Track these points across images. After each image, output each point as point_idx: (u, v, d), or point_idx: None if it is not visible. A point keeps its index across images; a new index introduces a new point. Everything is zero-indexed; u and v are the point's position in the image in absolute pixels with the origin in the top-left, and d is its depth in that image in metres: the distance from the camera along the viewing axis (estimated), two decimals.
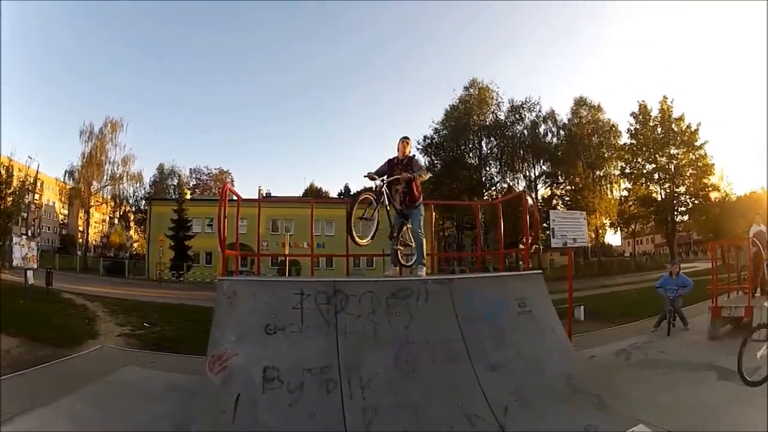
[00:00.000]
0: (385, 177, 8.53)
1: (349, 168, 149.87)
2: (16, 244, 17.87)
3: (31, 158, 58.08)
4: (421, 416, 5.94)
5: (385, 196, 8.37)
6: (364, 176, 8.79)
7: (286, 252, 30.59)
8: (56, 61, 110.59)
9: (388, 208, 8.52)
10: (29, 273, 17.74)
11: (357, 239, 8.04)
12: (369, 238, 8.33)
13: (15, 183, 51.14)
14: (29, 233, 48.54)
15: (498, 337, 7.23)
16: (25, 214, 58.24)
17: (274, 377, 5.98)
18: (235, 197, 9.79)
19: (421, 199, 8.94)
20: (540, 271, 9.25)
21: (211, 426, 5.64)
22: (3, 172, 50.03)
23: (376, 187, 8.45)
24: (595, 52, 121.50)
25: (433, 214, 10.72)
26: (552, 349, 7.64)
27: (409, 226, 8.84)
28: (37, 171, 59.98)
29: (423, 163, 8.74)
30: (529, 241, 10.26)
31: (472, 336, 7.01)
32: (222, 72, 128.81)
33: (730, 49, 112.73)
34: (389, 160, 8.94)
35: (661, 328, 13.19)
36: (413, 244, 8.98)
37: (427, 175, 9.05)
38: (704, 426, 6.31)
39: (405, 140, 8.88)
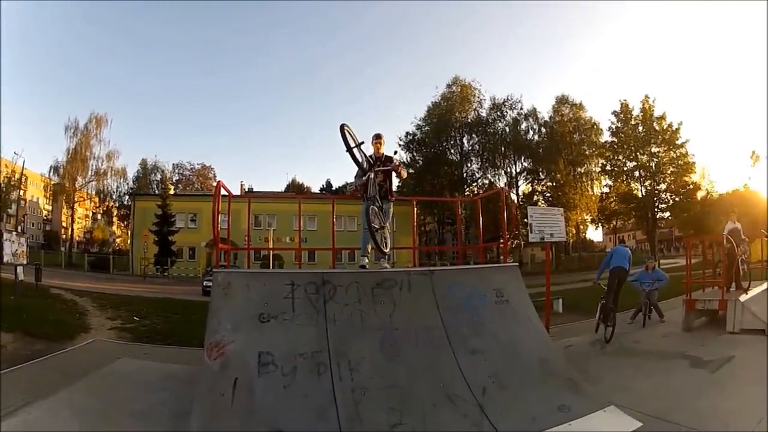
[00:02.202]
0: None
1: (332, 163, 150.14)
2: (6, 240, 17.79)
3: (17, 154, 57.90)
4: (405, 396, 6.28)
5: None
6: (351, 189, 9.03)
7: (270, 246, 30.90)
8: (39, 56, 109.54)
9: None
10: (19, 269, 17.76)
11: (383, 250, 8.50)
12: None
13: (2, 180, 50.83)
14: (19, 229, 48.25)
15: (476, 324, 7.60)
16: (10, 210, 57.91)
17: (268, 362, 6.29)
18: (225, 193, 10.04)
19: (393, 197, 9.21)
20: (516, 264, 9.60)
21: (211, 408, 5.91)
22: None
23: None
24: (578, 52, 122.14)
25: (415, 209, 10.88)
26: (528, 336, 7.99)
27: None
28: (23, 167, 59.81)
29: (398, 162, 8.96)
30: (506, 235, 10.63)
31: (452, 323, 7.40)
32: (204, 67, 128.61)
33: (715, 49, 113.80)
34: (367, 158, 8.89)
35: (637, 320, 13.74)
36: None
37: (405, 172, 9.14)
38: (674, 410, 6.66)
39: (378, 139, 8.87)
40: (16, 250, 18.07)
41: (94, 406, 6.84)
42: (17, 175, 58.83)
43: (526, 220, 12.30)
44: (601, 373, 8.76)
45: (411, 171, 62.81)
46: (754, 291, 12.89)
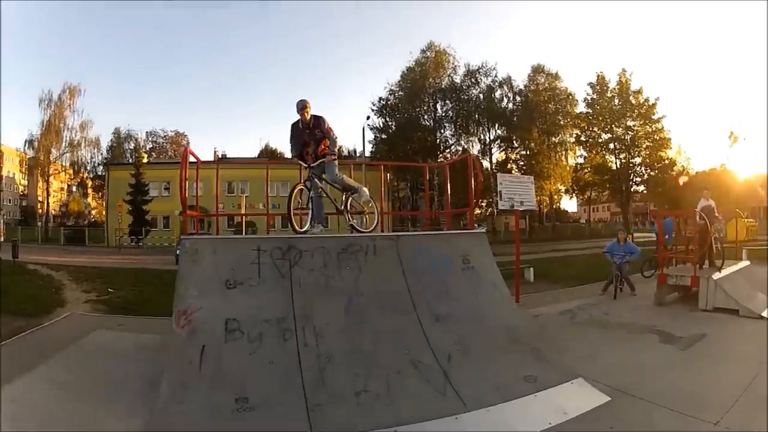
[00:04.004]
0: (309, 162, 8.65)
1: None
2: None
3: None
4: (370, 362, 6.34)
5: (315, 180, 8.58)
6: (293, 158, 8.90)
7: (242, 212, 30.87)
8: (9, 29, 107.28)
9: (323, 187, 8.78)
10: None
11: (299, 229, 8.20)
12: (308, 224, 8.52)
13: None
14: None
15: (442, 290, 7.67)
16: None
17: (235, 329, 6.33)
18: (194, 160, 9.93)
19: (333, 155, 8.89)
20: (483, 230, 9.74)
21: (180, 376, 5.95)
22: None
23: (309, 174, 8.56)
24: (554, 22, 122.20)
25: (386, 174, 10.84)
26: (494, 304, 8.10)
27: (325, 179, 8.85)
28: None
29: (328, 123, 8.80)
30: (473, 202, 10.65)
31: (417, 289, 7.45)
32: (177, 29, 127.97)
33: (695, 30, 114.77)
34: (294, 125, 8.84)
35: (608, 292, 13.76)
36: (366, 208, 9.28)
37: (337, 145, 8.98)
38: (642, 385, 6.62)
39: (303, 107, 8.56)
40: None
41: (70, 379, 6.86)
42: None
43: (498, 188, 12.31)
44: (568, 343, 8.74)
45: (384, 136, 64.74)
46: (727, 270, 12.89)
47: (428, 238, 9.07)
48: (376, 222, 9.51)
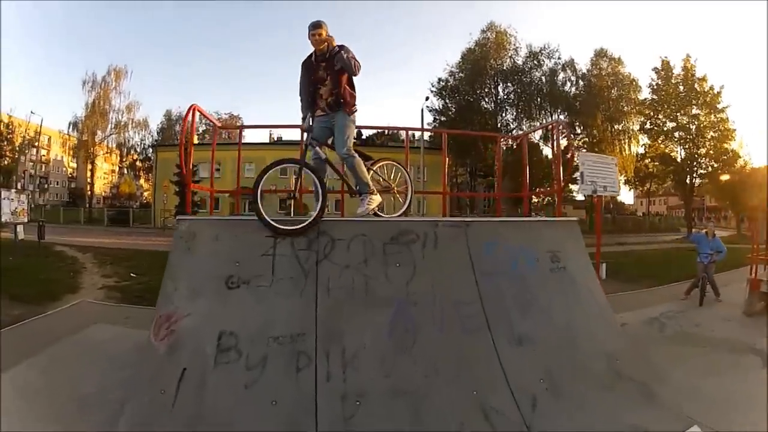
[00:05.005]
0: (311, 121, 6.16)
1: (362, 113, 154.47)
2: (5, 198, 17.81)
3: (33, 113, 59.68)
4: (420, 409, 4.62)
5: (316, 148, 6.14)
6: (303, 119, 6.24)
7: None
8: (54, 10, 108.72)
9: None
10: (19, 228, 18.12)
11: (279, 228, 5.51)
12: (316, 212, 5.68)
13: (17, 139, 51.13)
14: (18, 186, 50.01)
15: (526, 299, 5.74)
16: (22, 169, 59.09)
17: (230, 347, 4.72)
18: (229, 133, 8.14)
19: (355, 106, 6.27)
20: (576, 219, 7.79)
21: (147, 410, 4.51)
22: (2, 128, 51.35)
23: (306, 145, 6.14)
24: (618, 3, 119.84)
25: (447, 156, 9.08)
26: (591, 318, 6.19)
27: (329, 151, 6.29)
28: (41, 126, 61.42)
29: (353, 51, 6.03)
30: (560, 180, 8.70)
31: (493, 297, 5.54)
32: (237, 14, 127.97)
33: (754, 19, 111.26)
34: (304, 64, 6.26)
35: (692, 296, 12.53)
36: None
37: (359, 69, 6.08)
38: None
39: (316, 29, 5.92)
40: (16, 208, 18.32)
41: (43, 384, 6.03)
42: (31, 134, 59.80)
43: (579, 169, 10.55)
44: (666, 367, 7.06)
45: (443, 119, 63.37)
46: None
47: (507, 226, 6.83)
48: (407, 205, 7.04)
